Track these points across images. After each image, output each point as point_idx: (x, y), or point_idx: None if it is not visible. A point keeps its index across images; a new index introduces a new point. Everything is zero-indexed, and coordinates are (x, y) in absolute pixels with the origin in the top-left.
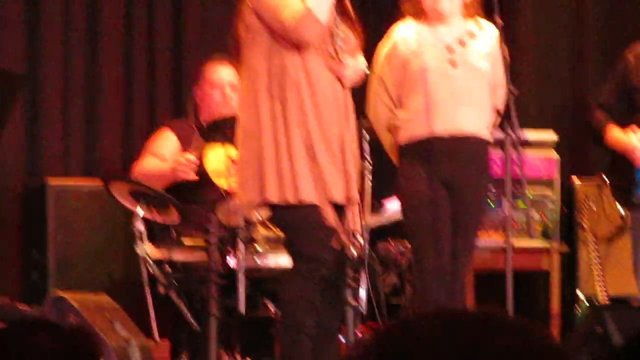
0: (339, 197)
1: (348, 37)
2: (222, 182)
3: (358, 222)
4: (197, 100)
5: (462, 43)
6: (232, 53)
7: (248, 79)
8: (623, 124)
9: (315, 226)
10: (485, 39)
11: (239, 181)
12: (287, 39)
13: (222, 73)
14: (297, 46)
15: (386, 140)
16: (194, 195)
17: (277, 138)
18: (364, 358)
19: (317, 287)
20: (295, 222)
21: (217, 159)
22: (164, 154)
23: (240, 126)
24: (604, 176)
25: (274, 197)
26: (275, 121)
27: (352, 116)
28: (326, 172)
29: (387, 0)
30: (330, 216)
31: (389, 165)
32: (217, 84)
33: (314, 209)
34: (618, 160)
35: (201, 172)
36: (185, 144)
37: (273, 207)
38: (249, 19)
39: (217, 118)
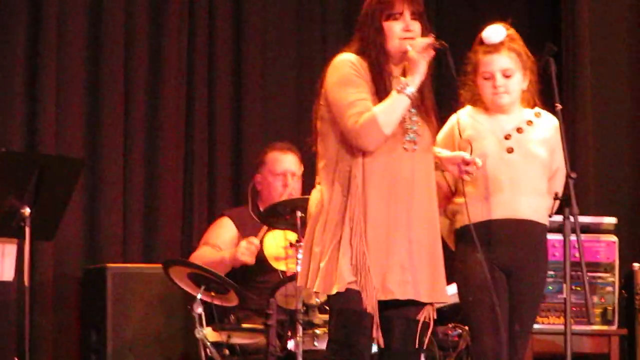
0: (405, 295)
1: (422, 131)
2: (281, 266)
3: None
4: (257, 187)
5: (519, 131)
6: (313, 141)
7: (320, 167)
8: None
9: (346, 311)
10: (543, 127)
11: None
12: (347, 141)
13: (285, 162)
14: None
15: (443, 224)
16: (253, 280)
17: (327, 228)
18: None
19: None
20: (331, 306)
21: (276, 243)
22: (219, 244)
23: (308, 211)
24: None
25: (317, 287)
26: (332, 212)
27: (435, 215)
28: (380, 264)
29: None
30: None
31: (446, 251)
32: (279, 172)
33: (351, 293)
34: None
35: (260, 257)
36: (244, 232)
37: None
38: (323, 111)
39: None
